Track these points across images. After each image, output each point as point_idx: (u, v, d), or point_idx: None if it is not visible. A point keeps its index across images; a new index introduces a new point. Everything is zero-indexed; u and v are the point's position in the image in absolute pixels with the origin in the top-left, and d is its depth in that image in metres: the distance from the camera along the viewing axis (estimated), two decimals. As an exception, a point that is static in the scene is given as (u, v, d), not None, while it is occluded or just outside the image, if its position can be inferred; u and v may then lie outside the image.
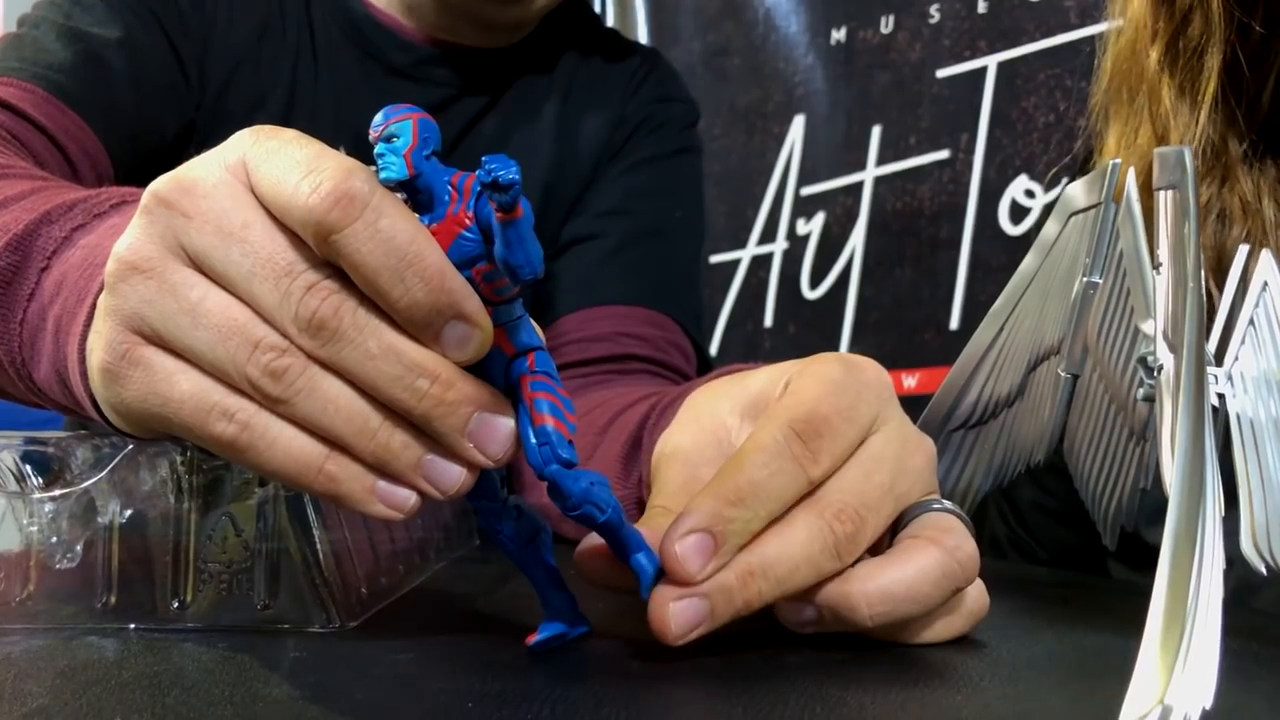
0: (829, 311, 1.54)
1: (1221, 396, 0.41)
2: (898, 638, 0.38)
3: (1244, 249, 0.44)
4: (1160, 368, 0.39)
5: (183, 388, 0.32)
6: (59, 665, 0.35)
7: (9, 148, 0.63)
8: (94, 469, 0.43)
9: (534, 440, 0.33)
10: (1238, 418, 0.41)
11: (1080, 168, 0.69)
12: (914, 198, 1.47)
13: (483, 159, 0.30)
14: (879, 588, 0.36)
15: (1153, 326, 0.44)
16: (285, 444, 0.32)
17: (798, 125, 1.61)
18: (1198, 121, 0.59)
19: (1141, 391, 0.44)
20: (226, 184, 0.32)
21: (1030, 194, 1.37)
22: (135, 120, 0.75)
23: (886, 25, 1.52)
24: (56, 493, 0.42)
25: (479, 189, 0.32)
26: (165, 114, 0.77)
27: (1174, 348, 0.37)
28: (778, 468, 0.35)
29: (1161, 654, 0.27)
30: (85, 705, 0.30)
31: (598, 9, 1.86)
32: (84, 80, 0.71)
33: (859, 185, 1.52)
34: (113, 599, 0.41)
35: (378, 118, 0.32)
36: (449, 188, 0.32)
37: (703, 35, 1.74)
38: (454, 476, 0.33)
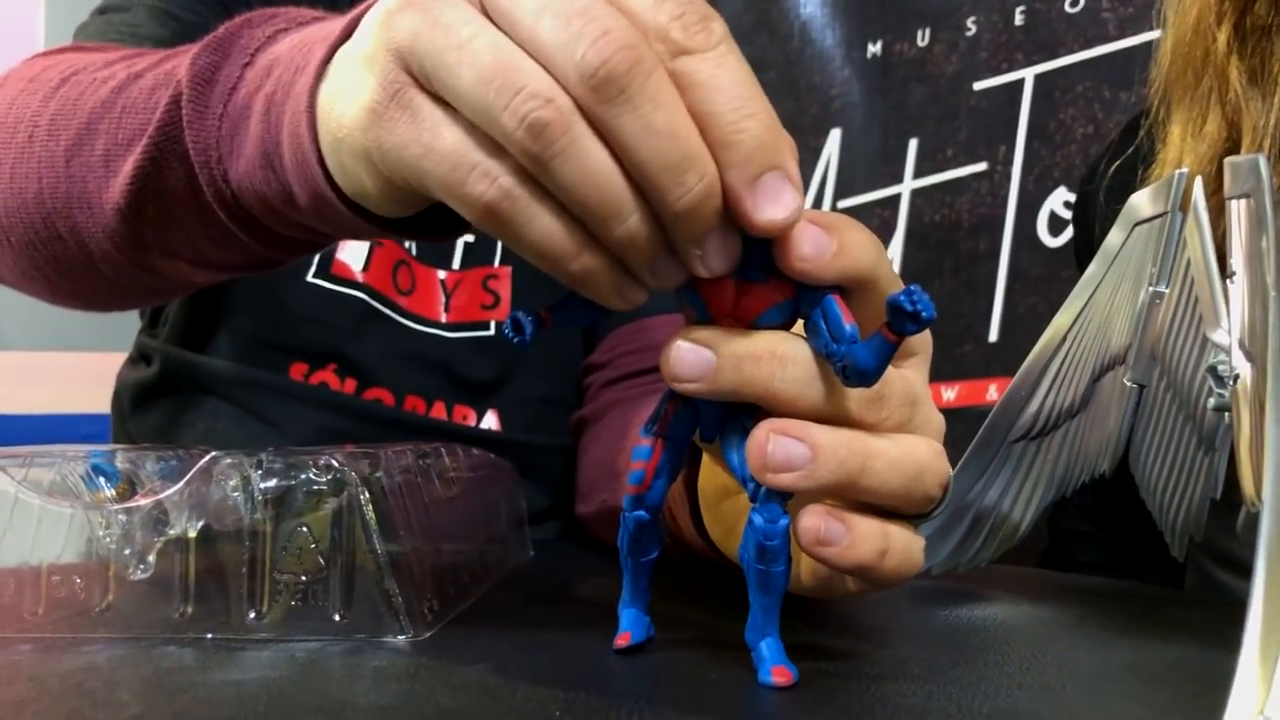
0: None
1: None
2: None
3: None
4: (1236, 377, 0.38)
5: (446, 139, 0.31)
6: (144, 674, 0.36)
7: None
8: (164, 480, 0.44)
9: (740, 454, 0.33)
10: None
11: (1143, 160, 0.67)
12: (952, 210, 1.47)
13: (912, 285, 0.29)
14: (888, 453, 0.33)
15: (1223, 336, 0.44)
16: (544, 224, 0.30)
17: (834, 138, 1.61)
18: (1271, 109, 0.56)
19: (1213, 401, 0.44)
20: None
21: (1069, 205, 1.36)
22: None
23: (923, 38, 1.52)
24: (134, 504, 0.43)
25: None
26: None
27: (1251, 357, 0.37)
28: None
29: (1261, 665, 0.26)
30: (177, 712, 0.31)
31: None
32: None
33: (896, 198, 1.52)
34: (189, 609, 0.42)
35: None
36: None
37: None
38: (678, 278, 0.31)
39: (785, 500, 0.33)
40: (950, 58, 1.49)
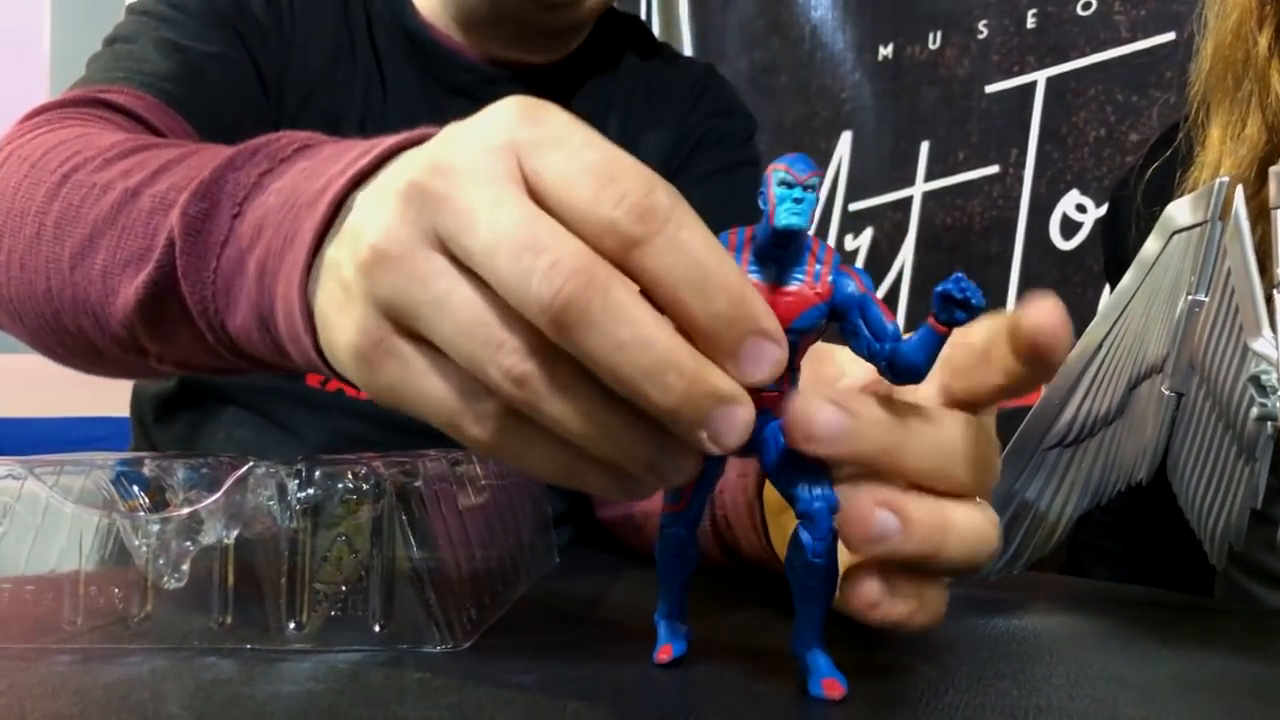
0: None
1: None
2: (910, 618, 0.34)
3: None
4: (1286, 387, 0.38)
5: (436, 386, 0.31)
6: (189, 685, 0.35)
7: None
8: (197, 488, 0.43)
9: (804, 476, 0.33)
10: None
11: (1182, 163, 0.66)
12: (964, 213, 1.47)
13: (957, 274, 0.30)
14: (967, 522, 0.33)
15: (1265, 345, 0.44)
16: (540, 449, 0.31)
17: (845, 141, 1.61)
18: None
19: (1255, 410, 0.44)
20: (486, 167, 0.30)
21: (1082, 209, 1.36)
22: (233, 133, 0.75)
23: (934, 41, 1.52)
24: (169, 513, 0.43)
25: (838, 262, 0.32)
26: (255, 130, 0.78)
27: (1302, 367, 0.37)
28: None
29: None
30: (230, 726, 0.30)
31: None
32: (189, 90, 0.71)
33: (908, 201, 1.52)
34: (229, 619, 0.41)
35: (802, 163, 0.31)
36: (808, 253, 0.32)
37: (749, 52, 1.74)
38: (684, 471, 0.31)
39: (833, 516, 0.33)
40: (962, 60, 1.49)
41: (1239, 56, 0.61)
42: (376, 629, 0.41)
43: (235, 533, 0.42)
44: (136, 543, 0.43)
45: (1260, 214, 0.48)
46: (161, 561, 0.43)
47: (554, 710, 0.32)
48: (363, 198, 0.35)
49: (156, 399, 0.82)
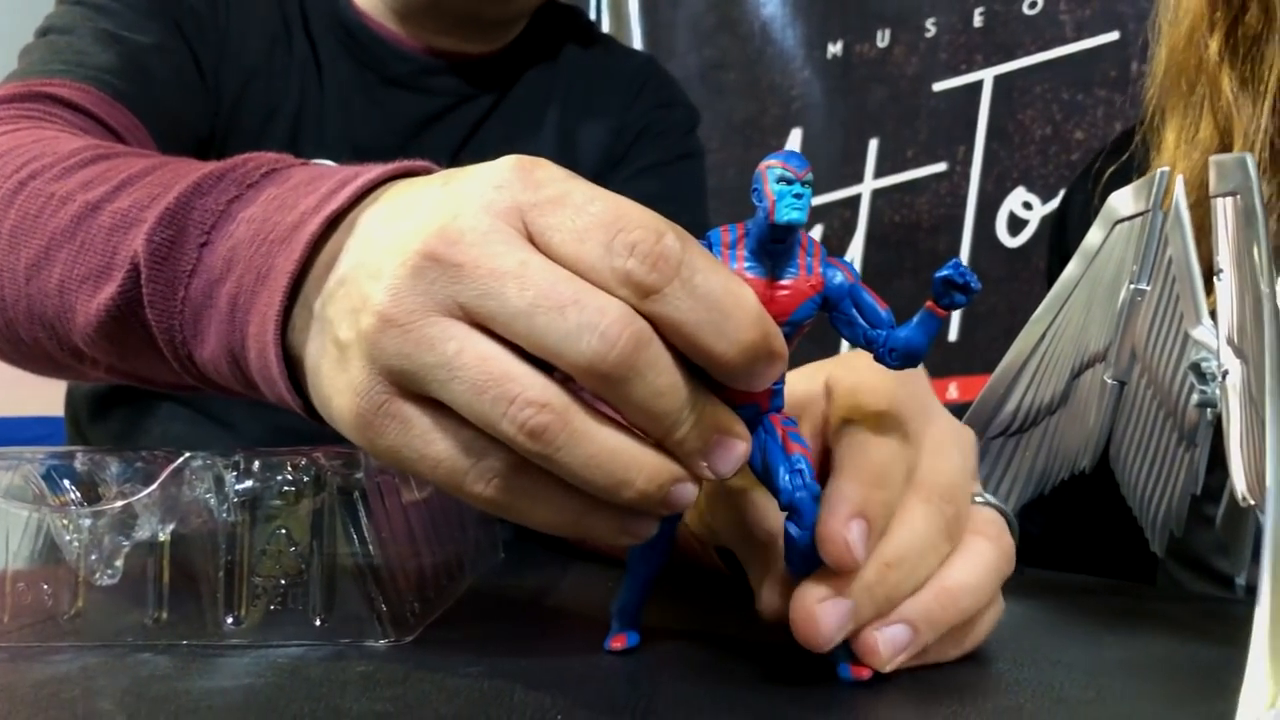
0: (827, 323, 1.54)
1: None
2: (941, 654, 0.37)
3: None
4: (1225, 374, 0.38)
5: (439, 448, 0.32)
6: (122, 682, 0.34)
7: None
8: (131, 482, 0.42)
9: (785, 467, 0.33)
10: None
11: (1138, 168, 0.68)
12: (912, 210, 1.48)
13: (954, 260, 0.31)
14: (959, 582, 0.35)
15: (1204, 333, 0.44)
16: (546, 502, 0.32)
17: (795, 139, 1.61)
18: (1261, 115, 0.58)
19: (1196, 398, 0.44)
20: (499, 230, 0.31)
21: (1028, 206, 1.38)
22: (176, 124, 0.74)
23: (883, 39, 1.53)
24: (101, 507, 0.41)
25: (826, 254, 0.33)
26: (197, 120, 0.77)
27: (1241, 354, 0.37)
28: (893, 452, 0.35)
29: (1271, 660, 0.27)
30: (163, 723, 0.30)
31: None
32: (132, 82, 0.70)
33: (857, 198, 1.53)
34: (164, 615, 0.40)
35: (797, 160, 0.31)
36: (798, 247, 0.33)
37: (699, 49, 1.75)
38: (688, 497, 0.32)
39: (817, 503, 0.33)
40: (910, 59, 1.50)
41: (1191, 62, 0.62)
42: (317, 623, 0.40)
43: (171, 527, 0.41)
44: (68, 538, 0.42)
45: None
46: (94, 557, 0.42)
47: (501, 700, 0.32)
48: (355, 252, 0.34)
49: (91, 396, 0.80)
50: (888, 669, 0.34)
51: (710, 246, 0.33)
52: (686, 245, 0.30)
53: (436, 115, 0.85)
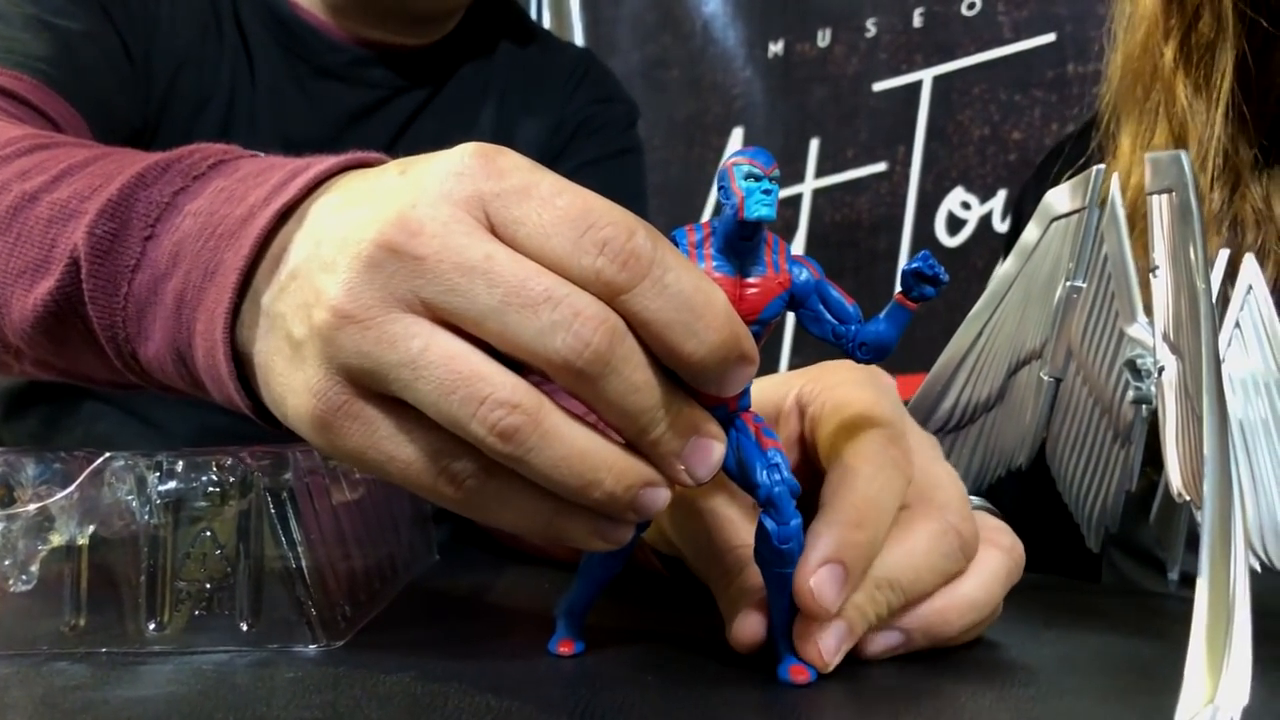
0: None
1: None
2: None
3: (1225, 253, 0.45)
4: (1161, 369, 0.39)
5: (405, 449, 0.31)
6: (36, 692, 0.33)
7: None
8: (48, 484, 0.40)
9: (761, 463, 0.33)
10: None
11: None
12: (852, 210, 1.49)
13: (924, 252, 0.32)
14: (965, 598, 0.36)
15: (1139, 330, 0.45)
16: (516, 504, 0.31)
17: (737, 137, 1.61)
18: (1214, 121, 0.59)
19: (1131, 394, 0.44)
20: (460, 220, 0.29)
21: (966, 205, 1.39)
22: (110, 113, 0.71)
23: (823, 39, 1.54)
24: (15, 510, 0.40)
25: (790, 251, 0.33)
26: (130, 109, 0.74)
27: (1177, 350, 0.38)
28: (886, 479, 0.35)
29: (1208, 656, 0.27)
30: (77, 735, 0.28)
31: (532, 19, 1.85)
32: (65, 69, 0.67)
33: (798, 198, 1.54)
34: (81, 622, 0.39)
35: (764, 156, 0.31)
36: (764, 244, 0.32)
37: (640, 47, 1.74)
38: (661, 502, 0.31)
39: (795, 498, 0.33)
40: (850, 59, 1.51)
41: (1146, 68, 0.63)
42: (244, 628, 0.39)
43: (90, 530, 0.39)
44: (-21, 542, 0.40)
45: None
46: (7, 563, 0.40)
47: (436, 706, 0.31)
48: (306, 243, 0.33)
49: (6, 394, 0.77)
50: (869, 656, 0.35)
51: (676, 245, 0.32)
52: (658, 243, 0.29)
53: (370, 108, 0.83)
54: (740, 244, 0.32)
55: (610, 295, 0.29)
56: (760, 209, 0.30)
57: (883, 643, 0.35)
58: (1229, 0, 0.58)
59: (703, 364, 0.29)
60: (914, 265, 0.31)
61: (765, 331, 0.33)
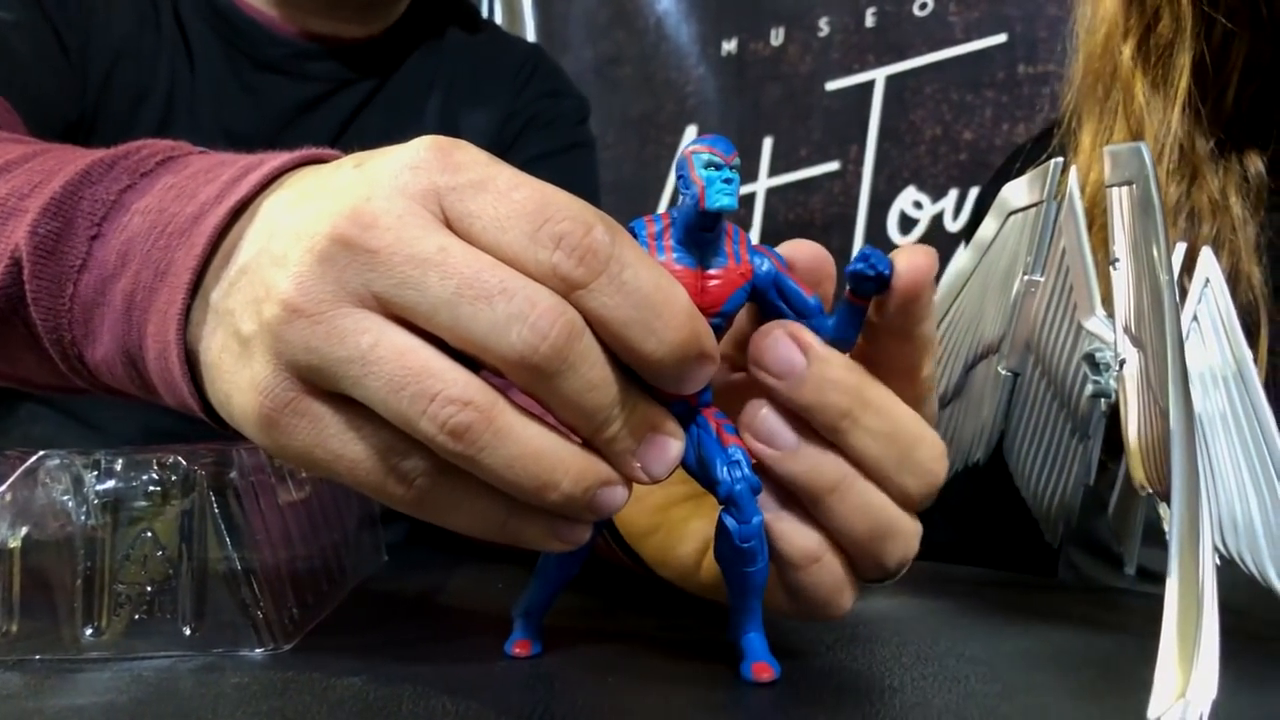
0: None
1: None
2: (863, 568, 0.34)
3: (1182, 246, 0.45)
4: (1123, 362, 0.39)
5: (354, 447, 0.29)
6: (-37, 703, 0.31)
7: None
8: (-20, 485, 0.39)
9: (722, 459, 0.32)
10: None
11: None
12: (805, 209, 1.49)
13: (864, 250, 0.31)
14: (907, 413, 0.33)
15: (1097, 324, 0.45)
16: (469, 505, 0.30)
17: (690, 135, 1.61)
18: (1170, 119, 0.59)
19: (1089, 388, 0.44)
20: (414, 213, 0.28)
21: (918, 205, 1.40)
22: (44, 107, 0.69)
23: (777, 37, 1.54)
24: (-55, 511, 0.38)
25: (751, 242, 0.32)
26: (65, 103, 0.72)
27: (1138, 342, 0.38)
28: None
29: (1179, 651, 0.26)
30: (7, 747, 0.27)
31: (484, 15, 1.83)
32: None
33: (751, 196, 1.54)
34: (13, 628, 0.37)
35: (724, 144, 0.30)
36: (724, 235, 0.32)
37: (593, 43, 1.73)
38: (618, 501, 0.30)
39: (756, 495, 0.32)
40: (804, 57, 1.51)
41: (1107, 68, 0.64)
42: (187, 632, 0.37)
43: (23, 532, 0.38)
44: (-94, 547, 0.38)
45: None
46: (-64, 567, 0.38)
47: (387, 710, 0.30)
48: (258, 239, 0.32)
49: (-60, 393, 0.75)
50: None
51: (634, 238, 0.31)
52: (616, 238, 0.28)
53: (313, 101, 0.81)
54: (701, 235, 0.31)
55: (567, 291, 0.28)
56: (722, 199, 0.30)
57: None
58: (1187, 1, 0.59)
59: (662, 363, 0.29)
60: (855, 267, 0.31)
61: (727, 324, 0.32)
